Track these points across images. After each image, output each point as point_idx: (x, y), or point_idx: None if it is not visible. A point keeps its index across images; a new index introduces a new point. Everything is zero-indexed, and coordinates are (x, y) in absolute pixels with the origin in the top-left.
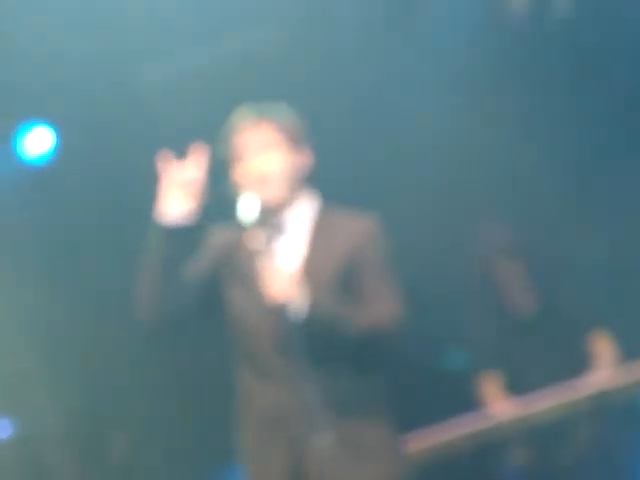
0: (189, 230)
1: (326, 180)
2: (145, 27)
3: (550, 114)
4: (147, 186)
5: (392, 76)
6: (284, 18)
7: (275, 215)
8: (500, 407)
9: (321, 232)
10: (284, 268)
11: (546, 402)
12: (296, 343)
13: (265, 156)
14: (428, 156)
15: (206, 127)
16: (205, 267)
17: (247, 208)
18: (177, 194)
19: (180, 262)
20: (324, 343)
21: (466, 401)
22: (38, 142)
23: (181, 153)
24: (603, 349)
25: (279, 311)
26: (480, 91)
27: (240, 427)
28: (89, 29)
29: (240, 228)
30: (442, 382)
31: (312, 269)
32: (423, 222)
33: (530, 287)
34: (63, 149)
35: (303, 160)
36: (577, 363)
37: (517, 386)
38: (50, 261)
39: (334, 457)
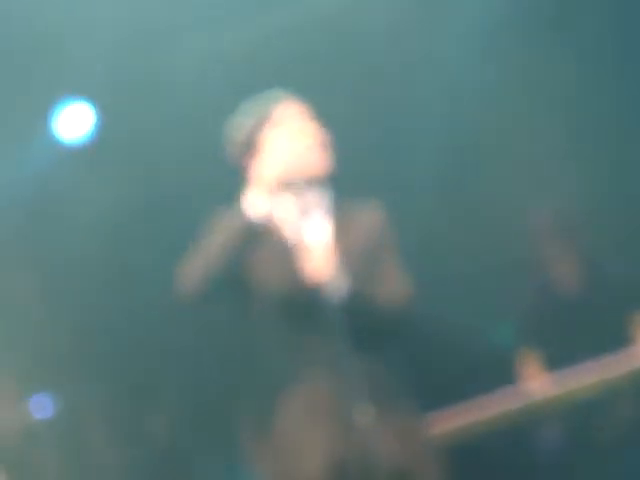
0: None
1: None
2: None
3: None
4: (189, 162)
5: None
6: None
7: (308, 190)
8: (538, 383)
9: (338, 220)
10: (320, 246)
11: (583, 379)
12: (337, 320)
13: (312, 129)
14: (478, 131)
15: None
16: (225, 247)
17: (292, 177)
18: (262, 195)
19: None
20: (361, 321)
21: (505, 377)
22: (77, 120)
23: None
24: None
25: (320, 288)
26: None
27: (269, 409)
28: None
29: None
30: (481, 358)
31: (341, 251)
32: (473, 197)
33: (576, 265)
34: (102, 126)
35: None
36: (616, 343)
37: (555, 364)
38: (89, 244)
39: (376, 432)
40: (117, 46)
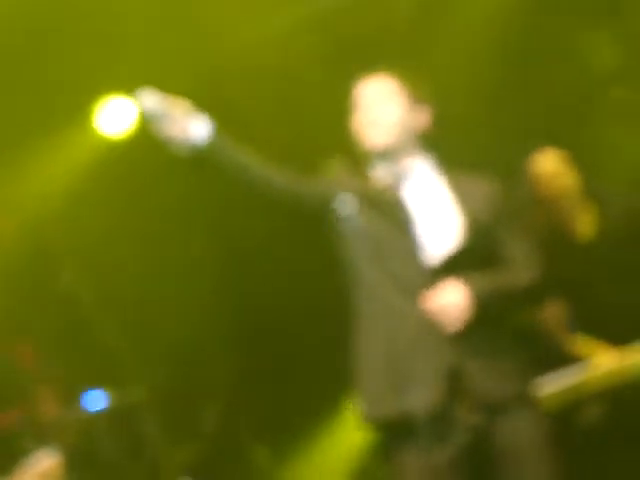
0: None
1: None
2: None
3: None
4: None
5: None
6: None
7: (395, 162)
8: (596, 360)
9: (446, 191)
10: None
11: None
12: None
13: (379, 106)
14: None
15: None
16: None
17: (368, 153)
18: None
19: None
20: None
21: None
22: (118, 116)
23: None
24: None
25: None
26: None
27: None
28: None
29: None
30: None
31: (448, 224)
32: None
33: None
34: (143, 122)
35: (418, 118)
36: None
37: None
38: (131, 240)
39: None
40: (160, 41)
